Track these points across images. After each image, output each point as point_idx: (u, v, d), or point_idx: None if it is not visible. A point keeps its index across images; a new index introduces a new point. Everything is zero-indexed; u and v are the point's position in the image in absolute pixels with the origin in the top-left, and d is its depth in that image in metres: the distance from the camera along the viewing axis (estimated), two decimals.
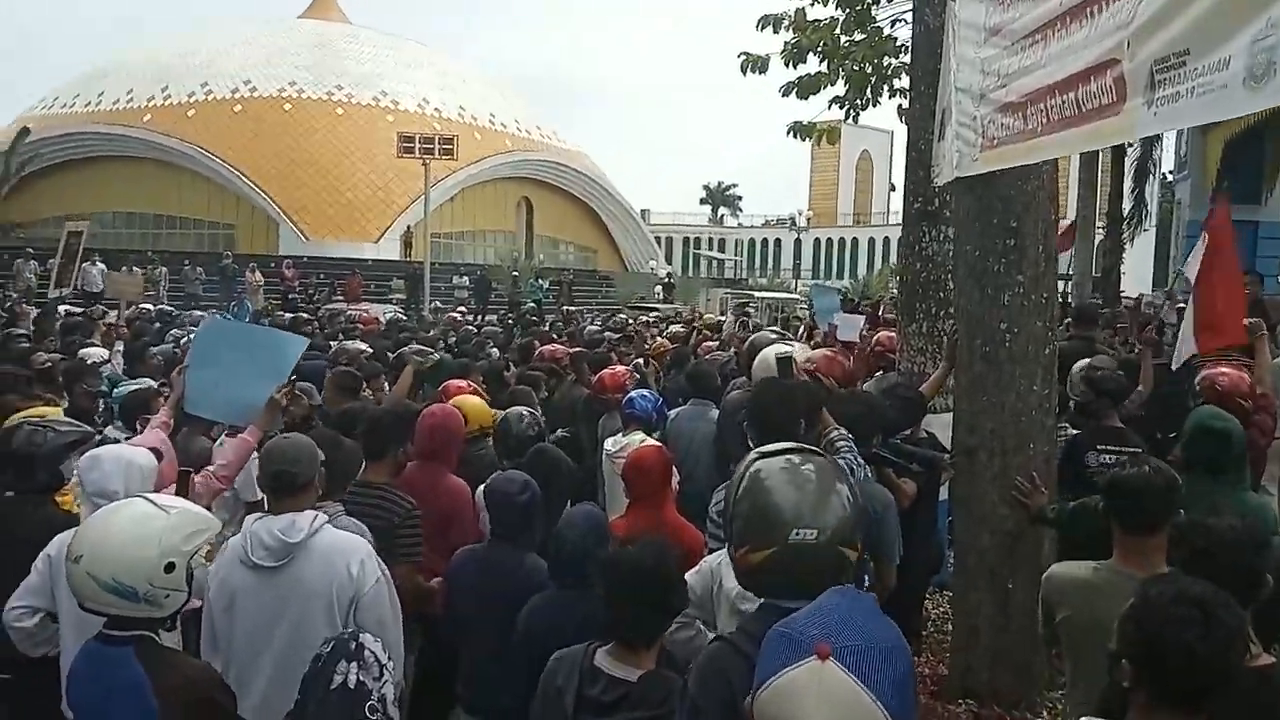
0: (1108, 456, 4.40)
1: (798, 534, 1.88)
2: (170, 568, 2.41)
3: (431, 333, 12.52)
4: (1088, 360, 6.18)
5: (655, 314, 21.66)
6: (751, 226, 70.33)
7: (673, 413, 5.92)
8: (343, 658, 2.27)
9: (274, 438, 3.65)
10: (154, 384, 5.63)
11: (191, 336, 8.88)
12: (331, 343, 9.25)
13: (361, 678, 2.27)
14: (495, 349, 9.97)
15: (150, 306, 16.74)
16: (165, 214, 39.33)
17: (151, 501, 2.51)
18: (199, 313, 15.22)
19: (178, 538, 2.43)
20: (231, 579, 3.10)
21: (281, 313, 17.42)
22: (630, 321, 15.99)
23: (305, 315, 15.07)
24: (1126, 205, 23.27)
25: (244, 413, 4.31)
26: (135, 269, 22.10)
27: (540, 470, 4.08)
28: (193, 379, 4.50)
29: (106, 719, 2.41)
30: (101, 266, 21.61)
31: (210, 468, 4.06)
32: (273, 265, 28.45)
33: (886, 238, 55.80)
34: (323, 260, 31.63)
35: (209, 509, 3.94)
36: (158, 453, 3.72)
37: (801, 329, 11.68)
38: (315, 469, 3.23)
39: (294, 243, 35.03)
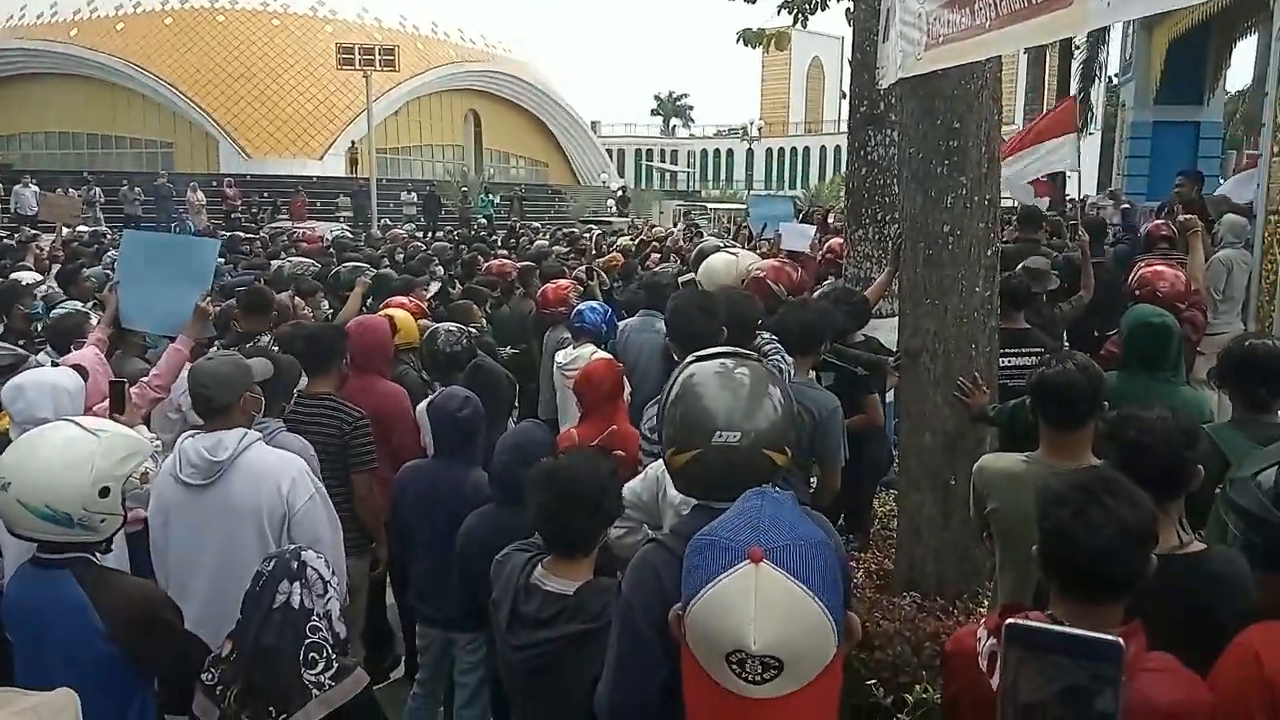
0: (1011, 359, 4.50)
1: (721, 436, 1.89)
2: (104, 492, 2.37)
3: (379, 250, 12.30)
4: (1022, 263, 6.27)
5: (608, 227, 21.49)
6: (704, 137, 69.61)
7: (622, 324, 5.91)
8: (284, 577, 2.26)
9: (200, 359, 3.59)
10: (82, 307, 5.49)
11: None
12: (273, 261, 9.03)
13: (304, 597, 2.26)
14: (440, 266, 9.83)
15: (86, 229, 16.24)
16: (100, 133, 37.85)
17: (80, 425, 2.45)
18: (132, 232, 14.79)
19: (110, 462, 2.39)
20: (165, 496, 3.10)
21: (223, 232, 17.01)
22: (581, 235, 15.84)
23: (242, 235, 14.70)
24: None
25: (176, 323, 4.30)
26: (70, 190, 21.31)
27: (479, 386, 4.07)
28: (124, 294, 4.53)
29: (48, 642, 2.38)
30: (34, 188, 20.84)
31: (144, 379, 4.03)
32: (214, 184, 27.61)
33: (838, 146, 55.47)
34: (266, 179, 30.76)
35: (148, 421, 3.93)
36: (83, 370, 3.64)
37: (749, 240, 11.61)
38: (237, 391, 3.18)
39: (235, 160, 33.98)
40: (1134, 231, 9.26)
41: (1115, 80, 23.76)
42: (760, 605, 1.12)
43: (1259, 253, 8.08)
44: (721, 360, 2.02)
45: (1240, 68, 17.07)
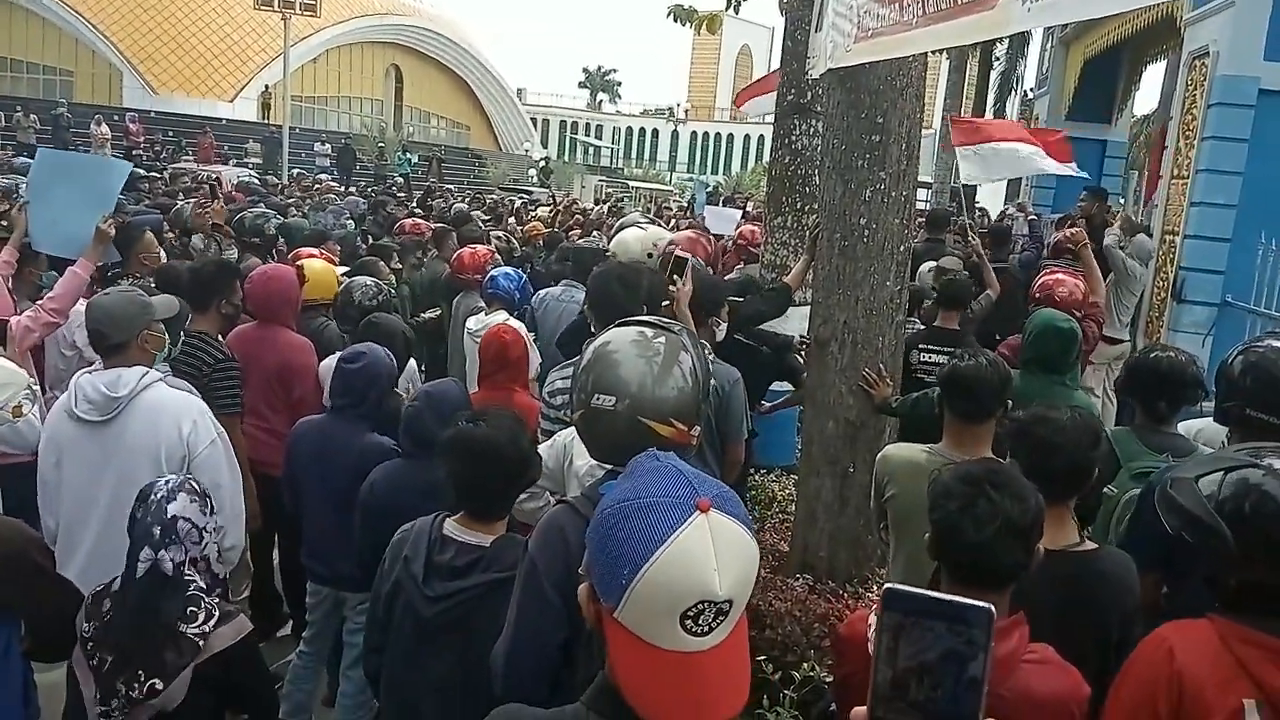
0: (930, 355, 4.83)
1: (599, 399, 1.92)
2: None
3: (289, 200, 11.93)
4: (935, 262, 6.45)
5: (528, 197, 21.27)
6: (630, 115, 69.33)
7: (542, 292, 5.86)
8: (146, 544, 2.21)
9: (95, 295, 3.43)
10: None
11: (15, 183, 8.22)
12: (177, 202, 8.67)
13: (173, 555, 2.21)
14: (351, 220, 9.60)
15: None
16: None
17: None
18: (24, 159, 14.09)
19: None
20: (59, 433, 2.99)
21: None
22: (499, 202, 15.66)
23: (141, 172, 14.07)
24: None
25: (79, 246, 4.14)
26: None
27: (374, 340, 3.97)
28: (33, 214, 4.34)
29: None
30: None
31: (40, 301, 3.85)
32: (116, 118, 26.30)
33: (761, 135, 56.04)
34: (172, 117, 29.46)
35: (42, 345, 3.75)
36: None
37: (672, 219, 11.66)
38: (135, 329, 3.06)
39: (140, 96, 32.43)
40: (1039, 241, 9.60)
41: (1030, 94, 24.56)
42: (720, 551, 1.14)
43: (1152, 269, 8.48)
44: (640, 328, 2.02)
45: (1147, 91, 17.78)
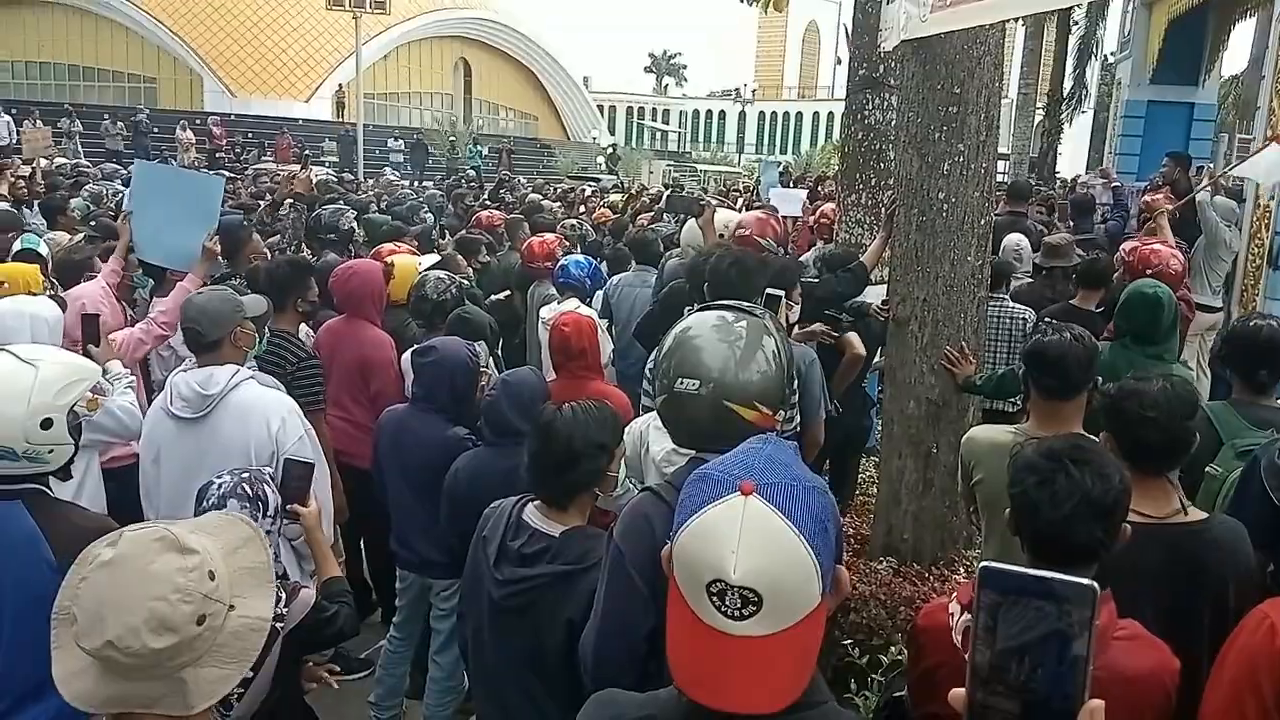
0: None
1: (681, 384, 1.90)
2: (47, 424, 2.31)
3: (364, 196, 12.16)
4: (1020, 235, 6.28)
5: (597, 185, 21.33)
6: (696, 98, 68.94)
7: (614, 279, 5.87)
8: None
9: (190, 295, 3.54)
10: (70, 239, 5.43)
11: (107, 192, 8.53)
12: (259, 202, 8.89)
13: None
14: (430, 214, 9.73)
15: (66, 160, 15.98)
16: (82, 65, 36.97)
17: (15, 356, 2.37)
18: (112, 165, 14.62)
19: (49, 394, 2.32)
20: (156, 431, 3.10)
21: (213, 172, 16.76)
22: (571, 190, 15.74)
23: (227, 174, 14.50)
24: (1068, 86, 23.33)
25: (185, 259, 4.27)
26: (39, 122, 20.86)
27: (462, 334, 4.03)
28: (136, 226, 4.48)
29: (1, 571, 2.34)
30: (8, 119, 20.39)
31: (151, 315, 4.00)
32: (198, 122, 27.13)
33: (831, 112, 55.21)
34: (250, 119, 30.29)
35: (149, 356, 3.90)
36: (61, 302, 3.59)
37: (741, 201, 11.58)
38: (227, 326, 3.15)
39: (220, 99, 33.37)
40: (1124, 210, 9.27)
41: (1111, 58, 23.73)
42: (744, 535, 1.10)
43: (1246, 236, 8.13)
44: (722, 313, 2.00)
45: (1237, 50, 17.06)
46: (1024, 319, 5.12)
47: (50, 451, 2.33)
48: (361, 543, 4.58)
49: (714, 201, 6.33)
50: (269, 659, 2.25)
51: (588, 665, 1.93)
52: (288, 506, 2.51)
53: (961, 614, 1.76)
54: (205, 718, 1.48)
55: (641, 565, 1.86)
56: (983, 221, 3.87)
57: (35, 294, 3.97)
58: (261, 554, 1.62)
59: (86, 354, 3.29)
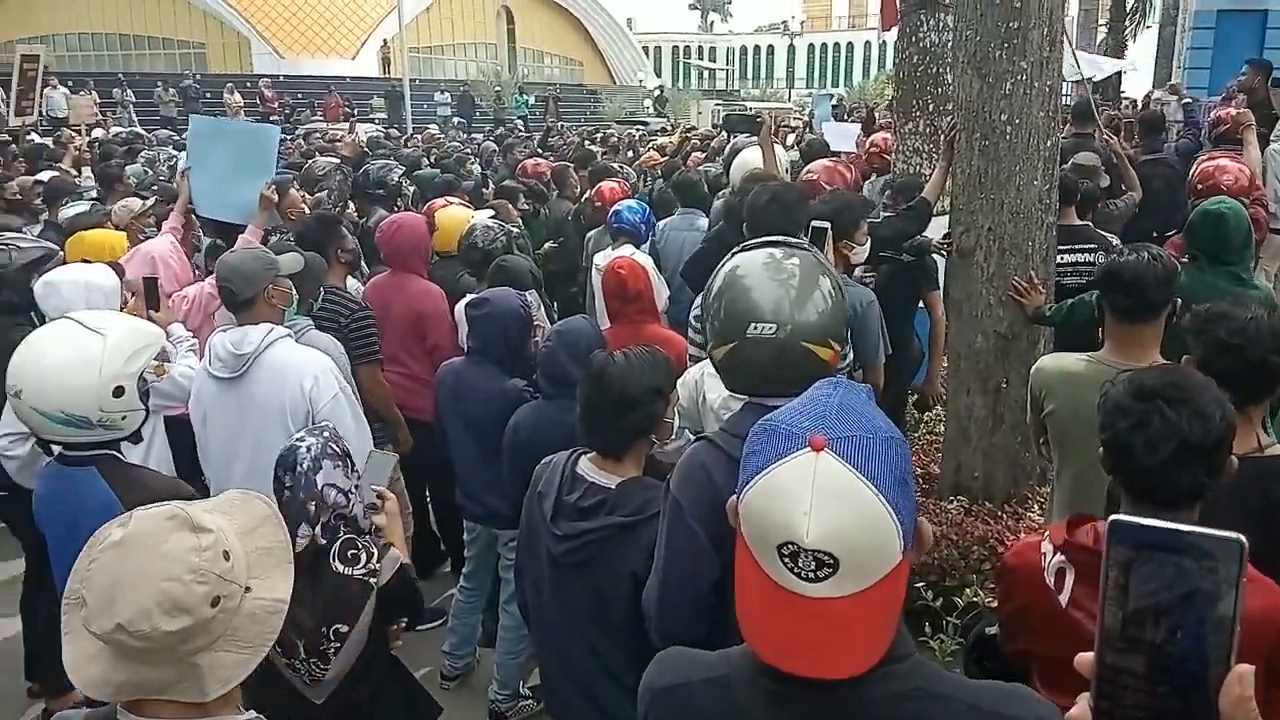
0: (1064, 256, 4.20)
1: (756, 328, 1.81)
2: (119, 392, 2.33)
3: (413, 150, 12.13)
4: (1072, 160, 6.00)
5: (645, 128, 21.06)
6: (743, 33, 67.52)
7: (662, 223, 5.77)
8: (303, 522, 2.25)
9: (226, 251, 3.55)
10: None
11: (160, 156, 8.64)
12: (308, 160, 8.92)
13: (323, 524, 2.26)
14: (477, 164, 9.68)
15: (120, 129, 16.23)
16: (133, 34, 37.37)
17: (84, 325, 2.38)
18: (166, 132, 14.82)
19: (119, 361, 2.33)
20: (202, 392, 3.12)
21: None
22: (616, 136, 15.56)
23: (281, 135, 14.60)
24: (1131, 1, 22.32)
25: (244, 211, 4.31)
26: (89, 92, 21.14)
27: (502, 282, 3.98)
28: (195, 182, 4.51)
29: (78, 539, 2.37)
30: (64, 90, 20.72)
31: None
32: (248, 85, 27.30)
33: (883, 40, 53.65)
34: (298, 79, 30.35)
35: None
36: (119, 269, 3.62)
37: (792, 137, 11.30)
38: (260, 284, 3.13)
39: (269, 61, 33.48)
40: (1196, 126, 8.84)
41: None
42: (817, 496, 1.02)
43: None
44: (770, 250, 1.91)
45: None
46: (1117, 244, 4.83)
47: (123, 418, 2.36)
48: (427, 494, 4.61)
49: (768, 116, 6.16)
50: (364, 614, 2.28)
51: (653, 620, 1.90)
52: (375, 498, 2.50)
53: (1054, 555, 1.68)
54: (221, 706, 1.41)
55: (701, 516, 1.81)
56: (1048, 143, 3.70)
57: (119, 259, 4.06)
58: (280, 533, 1.56)
59: (148, 319, 3.32)
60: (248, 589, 1.43)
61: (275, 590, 1.48)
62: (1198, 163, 5.17)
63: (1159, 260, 2.57)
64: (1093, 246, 4.45)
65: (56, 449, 2.44)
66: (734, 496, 1.13)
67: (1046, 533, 1.75)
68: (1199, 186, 4.75)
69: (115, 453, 2.41)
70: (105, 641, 1.32)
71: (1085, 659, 0.77)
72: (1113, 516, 0.75)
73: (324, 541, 2.25)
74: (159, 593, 1.31)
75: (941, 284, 5.17)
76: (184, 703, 1.37)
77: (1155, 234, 5.24)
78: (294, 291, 3.30)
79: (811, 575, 1.03)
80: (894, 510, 1.03)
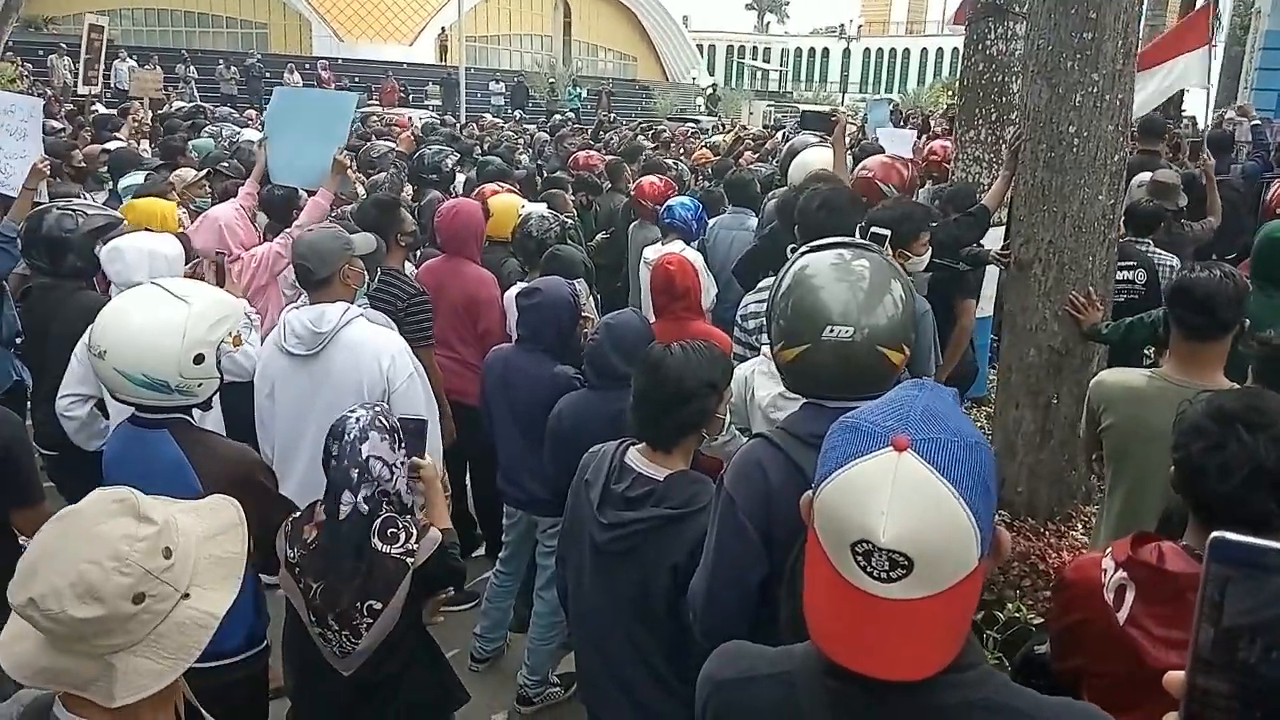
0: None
1: (832, 331, 1.78)
2: (199, 359, 2.37)
3: (469, 139, 12.22)
4: (1150, 174, 5.90)
5: (696, 126, 21.01)
6: (798, 35, 67.11)
7: (712, 221, 5.77)
8: (345, 488, 2.28)
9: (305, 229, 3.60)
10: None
11: (224, 131, 8.78)
12: (363, 142, 9.02)
13: (369, 493, 2.29)
14: (523, 155, 9.74)
15: (183, 104, 16.49)
16: (197, 12, 37.98)
17: (170, 291, 2.43)
18: (226, 109, 15.06)
19: (203, 328, 2.38)
20: (271, 366, 3.15)
21: None
22: (670, 131, 15.54)
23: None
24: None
25: (317, 177, 4.42)
26: (154, 66, 21.49)
27: (556, 271, 4.00)
28: (273, 150, 4.68)
29: None
30: (131, 63, 21.12)
31: (287, 229, 4.13)
32: (307, 67, 27.64)
33: (940, 48, 53.15)
34: (356, 63, 30.71)
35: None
36: (185, 238, 3.68)
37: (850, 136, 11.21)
38: (336, 264, 3.17)
39: (329, 44, 33.88)
40: (1265, 148, 8.65)
41: None
42: (895, 496, 1.01)
43: None
44: (839, 251, 1.89)
45: None
46: (1171, 266, 4.77)
47: (200, 385, 2.40)
48: (467, 478, 4.64)
49: (845, 115, 6.12)
50: (399, 593, 2.30)
51: (698, 613, 1.89)
52: (409, 460, 2.53)
53: (1115, 571, 1.65)
54: (133, 714, 1.28)
55: (753, 513, 1.80)
56: (1116, 158, 3.63)
57: (167, 230, 4.13)
58: (238, 544, 1.46)
59: None
60: (186, 595, 1.32)
61: (214, 604, 1.36)
62: (1273, 186, 5.07)
63: (1230, 279, 2.52)
64: (1133, 264, 4.39)
65: (128, 411, 2.48)
66: (809, 492, 1.13)
67: (1108, 549, 1.73)
68: (1276, 210, 4.66)
69: (188, 417, 2.45)
70: (20, 616, 1.24)
71: (1175, 678, 0.76)
72: (1214, 533, 0.73)
73: (366, 511, 2.28)
74: (75, 573, 1.22)
75: (994, 295, 5.14)
76: (102, 707, 1.26)
77: (1217, 257, 5.14)
78: (365, 271, 3.33)
79: (885, 575, 1.02)
80: (974, 516, 1.02)
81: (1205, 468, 1.60)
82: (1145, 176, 5.89)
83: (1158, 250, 4.82)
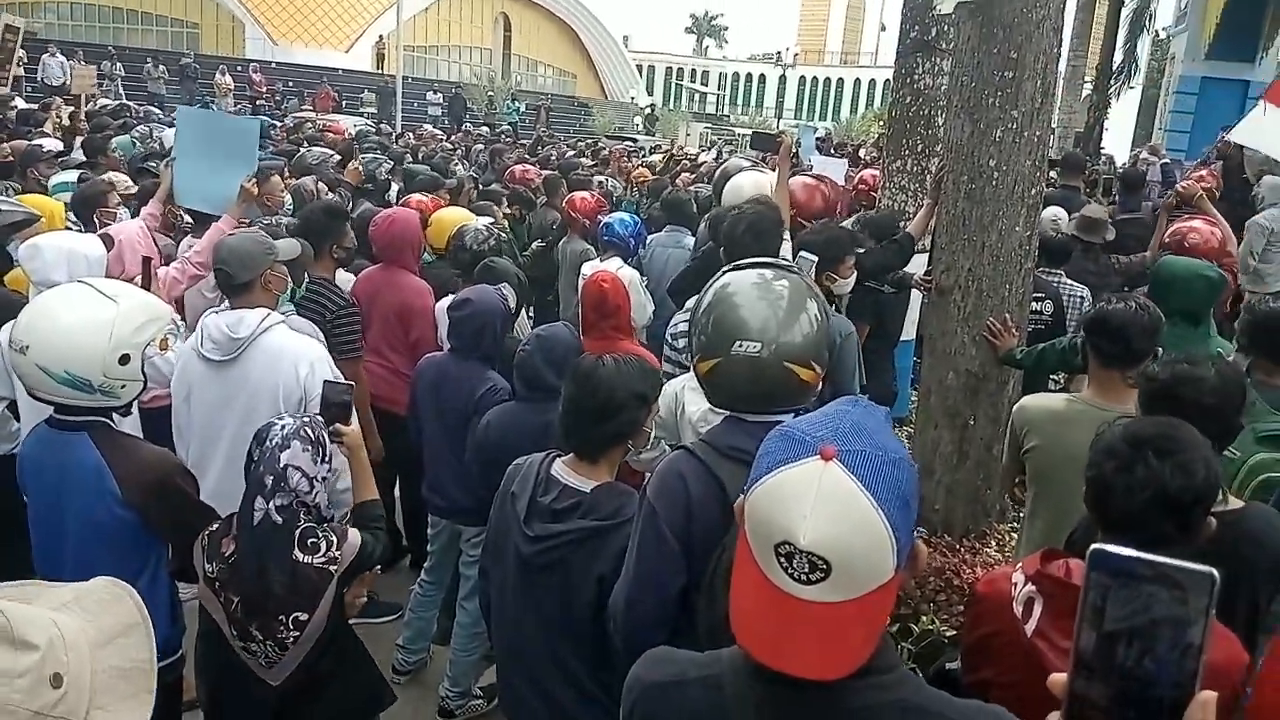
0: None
1: (740, 346, 1.86)
2: (125, 359, 2.33)
3: (401, 146, 12.13)
4: (1058, 208, 6.13)
5: (634, 145, 21.13)
6: (736, 60, 68.04)
7: (649, 239, 5.84)
8: (258, 495, 2.26)
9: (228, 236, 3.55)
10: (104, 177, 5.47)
11: (153, 132, 8.59)
12: (299, 149, 8.91)
13: (283, 503, 2.26)
14: (460, 165, 9.72)
15: (108, 101, 16.07)
16: (125, 8, 37.02)
17: (98, 290, 2.38)
18: (157, 110, 14.72)
19: (129, 328, 2.34)
20: (188, 370, 3.09)
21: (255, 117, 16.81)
22: (606, 149, 15.62)
23: (268, 121, 14.54)
24: (1118, 60, 22.75)
25: (223, 202, 4.31)
26: (84, 63, 20.90)
27: (489, 282, 4.01)
28: (178, 171, 4.51)
29: (64, 504, 2.36)
30: (62, 59, 20.49)
31: (186, 254, 4.02)
32: (239, 69, 27.12)
33: (873, 79, 54.37)
34: (291, 68, 30.22)
35: (182, 297, 3.93)
36: (110, 240, 3.60)
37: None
38: (258, 269, 3.13)
39: (261, 47, 33.32)
40: (1171, 187, 9.07)
41: (1163, 33, 23.09)
42: (819, 501, 1.06)
43: None
44: (760, 271, 1.96)
45: None
46: (1080, 297, 4.99)
47: (123, 387, 2.35)
48: (396, 490, 4.60)
49: (789, 136, 6.26)
50: (324, 601, 2.29)
51: (618, 622, 1.92)
52: (331, 427, 2.51)
53: (1025, 585, 1.73)
54: None
55: (674, 522, 1.85)
56: (1033, 191, 3.79)
57: (59, 229, 4.02)
58: (145, 650, 1.23)
59: None
60: None
61: None
62: (1174, 222, 5.32)
63: (1145, 310, 2.67)
64: (1041, 295, 4.59)
65: (42, 413, 2.43)
66: (741, 495, 1.18)
67: (1019, 564, 1.81)
68: (1167, 242, 4.92)
69: (108, 421, 2.41)
70: None
71: (1058, 680, 0.81)
72: (1094, 545, 0.79)
73: (279, 520, 2.25)
74: None
75: (916, 320, 5.30)
76: None
77: (1127, 289, 5.37)
78: (290, 278, 3.30)
79: (805, 578, 1.07)
80: (892, 527, 1.07)
81: (1114, 486, 1.68)
82: (1053, 209, 6.10)
83: (1069, 281, 5.05)
